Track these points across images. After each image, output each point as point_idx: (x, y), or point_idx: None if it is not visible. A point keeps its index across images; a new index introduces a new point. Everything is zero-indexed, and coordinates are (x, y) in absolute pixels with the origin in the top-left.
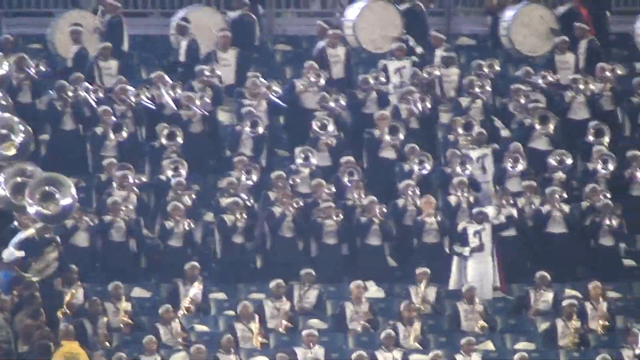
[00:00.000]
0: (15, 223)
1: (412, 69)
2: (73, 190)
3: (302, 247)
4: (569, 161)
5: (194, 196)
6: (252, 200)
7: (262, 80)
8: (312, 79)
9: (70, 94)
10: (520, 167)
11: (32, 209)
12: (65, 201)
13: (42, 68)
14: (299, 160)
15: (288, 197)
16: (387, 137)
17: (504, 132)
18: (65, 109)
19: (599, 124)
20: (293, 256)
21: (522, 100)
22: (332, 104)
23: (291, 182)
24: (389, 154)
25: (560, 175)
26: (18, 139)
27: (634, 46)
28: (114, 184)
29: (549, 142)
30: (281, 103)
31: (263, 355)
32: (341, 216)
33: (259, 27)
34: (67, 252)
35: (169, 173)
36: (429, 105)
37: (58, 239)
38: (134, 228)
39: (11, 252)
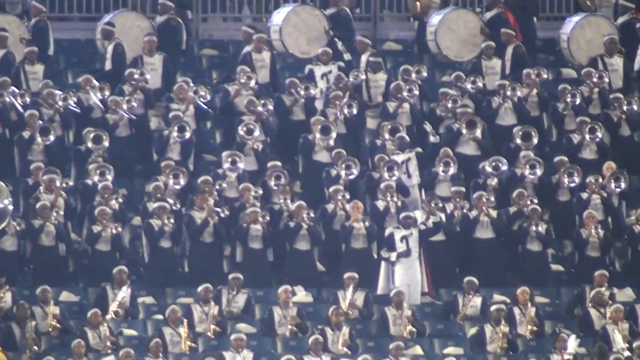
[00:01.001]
0: None
1: (338, 73)
2: (8, 195)
3: (229, 252)
4: (504, 167)
5: (120, 200)
6: (179, 205)
7: (190, 84)
8: (243, 81)
9: None
10: (452, 171)
11: None
12: (4, 205)
13: None
14: (226, 165)
15: (206, 201)
16: (319, 137)
17: (433, 138)
18: None
19: (525, 128)
20: (215, 262)
21: (450, 105)
22: (260, 109)
23: (218, 186)
24: (322, 157)
25: (494, 181)
26: None
27: (560, 51)
28: (41, 188)
29: (476, 147)
30: (206, 108)
31: None
32: (267, 218)
33: (185, 32)
34: None
35: (95, 178)
36: (355, 111)
37: None
38: (62, 232)
39: None
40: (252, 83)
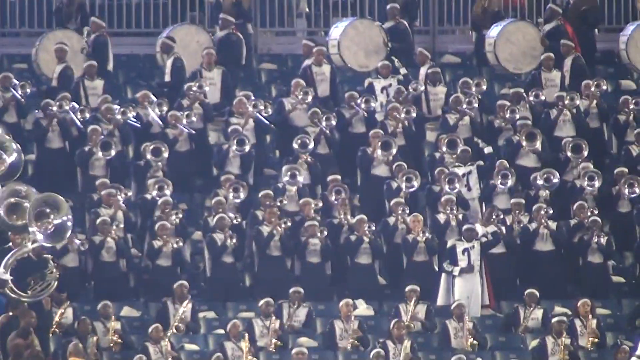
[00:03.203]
0: (10, 244)
1: (397, 86)
2: (69, 210)
3: (290, 265)
4: (556, 180)
5: (181, 215)
6: (239, 219)
7: (250, 98)
8: (300, 97)
9: (56, 112)
10: (509, 183)
11: (34, 230)
12: (63, 221)
13: (28, 89)
14: (285, 179)
15: (275, 215)
16: (379, 152)
17: (487, 150)
18: (51, 128)
19: (576, 140)
20: (281, 275)
21: (508, 116)
22: (324, 123)
23: (279, 202)
24: (381, 171)
25: (545, 193)
26: (10, 158)
27: (619, 63)
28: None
29: (536, 159)
30: (267, 122)
31: None
32: (325, 233)
33: (245, 46)
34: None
35: (154, 192)
36: (414, 115)
37: (54, 259)
38: (123, 248)
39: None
40: (309, 98)
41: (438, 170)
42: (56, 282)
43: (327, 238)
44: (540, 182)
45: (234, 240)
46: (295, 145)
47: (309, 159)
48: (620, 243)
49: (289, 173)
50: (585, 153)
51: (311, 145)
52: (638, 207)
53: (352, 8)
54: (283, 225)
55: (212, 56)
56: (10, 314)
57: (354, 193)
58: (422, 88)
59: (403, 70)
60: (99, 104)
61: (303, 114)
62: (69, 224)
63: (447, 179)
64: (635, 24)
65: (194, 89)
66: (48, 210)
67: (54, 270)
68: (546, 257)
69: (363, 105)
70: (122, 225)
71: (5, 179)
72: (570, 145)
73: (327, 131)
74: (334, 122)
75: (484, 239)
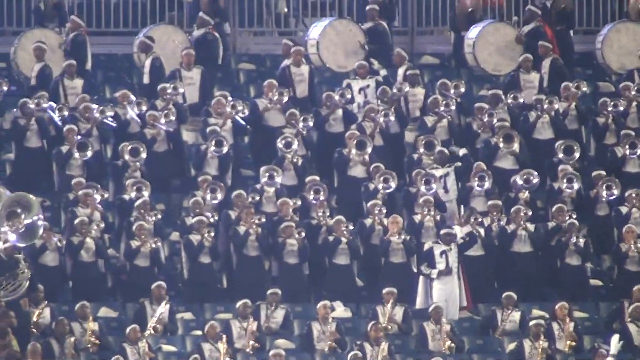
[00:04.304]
0: None
1: (379, 87)
2: (40, 210)
3: (268, 266)
4: (535, 180)
5: (159, 215)
6: (216, 217)
7: (228, 99)
8: (275, 98)
9: (34, 110)
10: (487, 185)
11: (5, 230)
12: (34, 220)
13: (4, 87)
14: (263, 179)
15: (251, 215)
16: (354, 152)
17: (462, 152)
18: (29, 127)
19: (567, 142)
20: (258, 275)
21: (486, 119)
22: (301, 124)
23: (251, 199)
24: (357, 172)
25: (525, 194)
26: None
27: (597, 65)
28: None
29: (514, 161)
30: (243, 123)
31: None
32: (303, 234)
33: (222, 46)
34: (36, 271)
35: (132, 194)
36: (392, 119)
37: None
38: (102, 248)
39: None
40: (285, 99)
41: (415, 172)
42: (28, 282)
43: (304, 239)
44: (520, 182)
45: (211, 241)
46: (279, 145)
47: (294, 160)
48: (598, 246)
49: (267, 174)
50: (577, 155)
51: (295, 145)
52: (616, 209)
53: (331, 8)
54: (257, 222)
55: (191, 56)
56: None
57: (331, 194)
58: (407, 89)
59: (383, 72)
60: (77, 103)
61: (279, 114)
62: (40, 223)
63: (423, 180)
64: (611, 24)
65: (169, 90)
66: (19, 210)
67: (26, 270)
68: (524, 259)
69: (338, 99)
70: (102, 226)
71: None
72: (562, 147)
73: (304, 132)
74: (311, 123)
75: (461, 241)
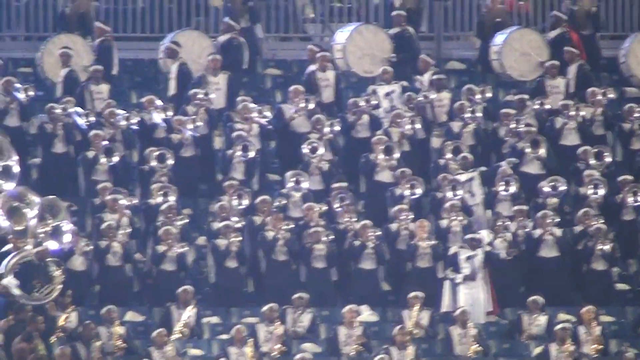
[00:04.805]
0: (9, 247)
1: (405, 93)
2: (67, 214)
3: (295, 270)
4: (563, 187)
5: (185, 220)
6: (242, 223)
7: (253, 104)
8: (302, 105)
9: (60, 115)
10: (512, 189)
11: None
12: (62, 224)
13: (31, 92)
14: (289, 185)
15: (279, 220)
16: (382, 157)
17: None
18: (56, 132)
19: (598, 147)
20: (286, 280)
21: (513, 125)
22: (327, 129)
23: (277, 204)
24: (384, 177)
25: (553, 200)
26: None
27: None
28: (106, 208)
29: (541, 166)
30: (271, 127)
31: None
32: (331, 237)
33: (251, 50)
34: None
35: (159, 198)
36: (418, 126)
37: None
38: (128, 252)
39: (10, 280)
40: (311, 105)
41: (441, 177)
42: (61, 287)
43: (332, 243)
44: (547, 189)
45: (238, 246)
46: (305, 151)
47: (321, 164)
48: (624, 251)
49: (293, 179)
50: (608, 160)
51: (321, 151)
52: None
53: (358, 14)
54: (285, 227)
55: (217, 62)
56: (15, 317)
57: (358, 199)
58: (433, 96)
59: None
60: (103, 109)
61: (305, 120)
62: (68, 227)
63: (450, 185)
64: (632, 36)
65: (200, 96)
66: (47, 214)
67: (59, 274)
68: (550, 264)
69: (364, 105)
70: (128, 231)
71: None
72: (594, 152)
73: (330, 137)
74: (337, 128)
75: (488, 247)
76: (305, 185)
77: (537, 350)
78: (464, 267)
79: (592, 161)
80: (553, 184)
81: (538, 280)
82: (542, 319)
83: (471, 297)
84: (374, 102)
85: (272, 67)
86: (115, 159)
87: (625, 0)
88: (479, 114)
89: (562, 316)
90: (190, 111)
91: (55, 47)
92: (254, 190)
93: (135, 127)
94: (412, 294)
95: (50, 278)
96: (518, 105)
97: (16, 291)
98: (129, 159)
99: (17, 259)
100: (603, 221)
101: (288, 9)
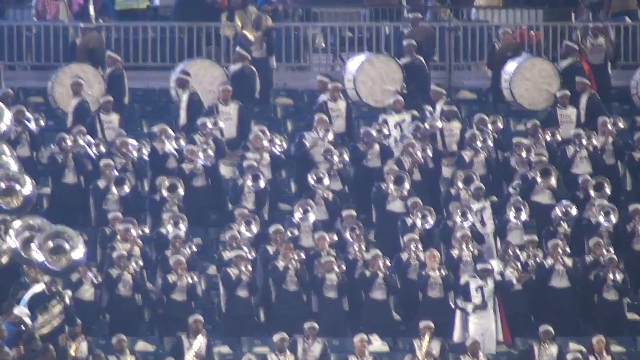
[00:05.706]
0: (25, 278)
1: (414, 122)
2: (82, 244)
3: (306, 300)
4: (574, 212)
5: (195, 249)
6: (253, 254)
7: (266, 133)
8: (322, 133)
9: (71, 146)
10: (524, 217)
11: (40, 261)
12: (76, 254)
13: (42, 122)
14: (297, 214)
15: (290, 250)
16: (393, 187)
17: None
18: (66, 162)
19: (598, 178)
20: (297, 310)
21: (524, 154)
22: (336, 158)
23: (289, 234)
24: (396, 207)
25: (564, 227)
26: (24, 191)
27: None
28: (118, 237)
29: (551, 196)
30: (283, 157)
31: None
32: (343, 267)
33: (263, 80)
34: (72, 305)
35: (169, 228)
36: (430, 154)
37: (69, 292)
38: (139, 282)
39: (22, 310)
40: (330, 136)
41: (453, 206)
42: (61, 316)
43: (344, 273)
44: (559, 215)
45: (249, 275)
46: (310, 181)
47: (326, 194)
48: (635, 280)
49: (300, 209)
50: (608, 191)
51: (326, 181)
52: None
53: (368, 44)
54: (297, 258)
55: (228, 92)
56: (26, 347)
57: (369, 229)
58: (440, 125)
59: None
60: (114, 138)
61: (320, 150)
62: (82, 257)
63: (460, 212)
64: None
65: (209, 125)
66: (59, 243)
67: (57, 304)
68: (562, 294)
69: (376, 134)
70: (140, 262)
71: (18, 212)
72: (593, 184)
73: (340, 166)
74: (346, 158)
75: (498, 277)
76: (312, 215)
77: None
78: (474, 297)
79: (592, 193)
80: (564, 209)
81: (549, 310)
82: (553, 349)
83: (481, 327)
84: (385, 131)
85: (283, 96)
86: (127, 189)
87: (636, 31)
88: (490, 144)
89: (573, 346)
90: (199, 140)
91: (66, 76)
92: (264, 219)
93: (146, 157)
94: (422, 324)
95: (47, 307)
96: (531, 133)
97: (27, 320)
98: (139, 189)
99: (34, 291)
100: (613, 251)
101: (300, 39)
